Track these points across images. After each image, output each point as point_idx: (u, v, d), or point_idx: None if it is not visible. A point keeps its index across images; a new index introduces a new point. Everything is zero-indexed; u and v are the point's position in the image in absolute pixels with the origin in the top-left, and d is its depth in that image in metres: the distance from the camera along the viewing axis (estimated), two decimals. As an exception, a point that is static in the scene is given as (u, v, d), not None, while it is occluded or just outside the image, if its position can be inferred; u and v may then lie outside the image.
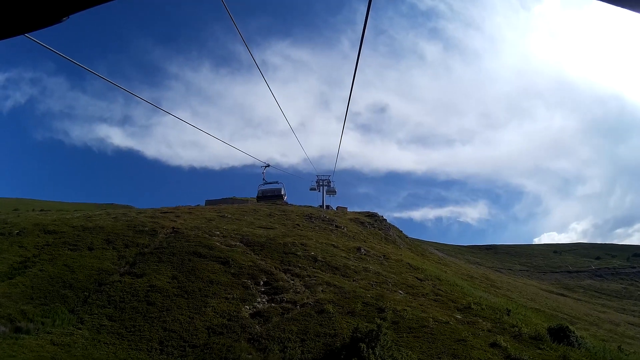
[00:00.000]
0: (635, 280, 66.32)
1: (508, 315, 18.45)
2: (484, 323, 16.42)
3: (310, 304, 15.47)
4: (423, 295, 19.75)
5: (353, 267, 21.98)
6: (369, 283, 19.72)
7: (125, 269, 19.45)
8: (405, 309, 16.12)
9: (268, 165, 27.49)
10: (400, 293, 19.27)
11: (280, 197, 31.16)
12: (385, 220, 48.36)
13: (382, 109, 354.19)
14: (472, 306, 18.74)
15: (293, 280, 18.53)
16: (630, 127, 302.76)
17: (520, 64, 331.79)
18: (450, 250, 78.97)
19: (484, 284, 34.80)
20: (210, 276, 18.00)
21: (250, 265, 19.55)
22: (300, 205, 56.59)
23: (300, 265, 20.90)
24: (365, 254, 26.71)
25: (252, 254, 22.04)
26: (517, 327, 16.36)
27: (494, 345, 13.97)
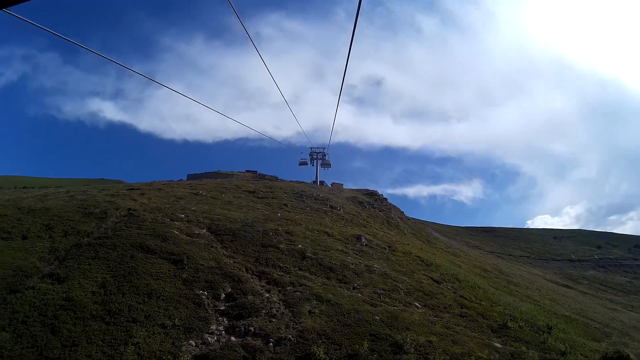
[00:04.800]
0: (639, 274, 63.95)
1: (549, 333, 14.25)
2: (530, 353, 11.75)
3: (290, 339, 10.00)
4: (445, 307, 14.68)
5: (353, 267, 16.68)
6: (374, 292, 14.46)
7: (51, 268, 14.02)
8: (430, 341, 10.95)
9: None
10: (418, 307, 14.11)
11: None
12: (386, 199, 43.09)
13: (377, 82, 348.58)
14: (509, 324, 13.98)
15: (269, 291, 13.05)
16: (629, 113, 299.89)
17: (520, 43, 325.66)
18: (449, 232, 75.87)
19: (500, 280, 29.97)
20: (152, 284, 12.56)
21: (212, 267, 14.08)
22: (291, 181, 51.25)
23: (281, 264, 15.50)
24: (366, 245, 21.46)
25: (219, 247, 16.60)
26: (567, 353, 12.31)
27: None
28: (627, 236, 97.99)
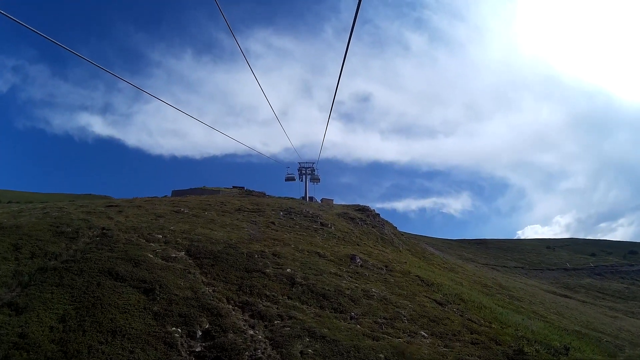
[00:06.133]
0: (636, 279, 64.36)
1: (567, 355, 12.80)
2: None
3: (279, 391, 8.28)
4: (455, 335, 13.03)
5: (349, 292, 14.92)
6: (375, 322, 12.73)
7: (12, 295, 12.15)
8: (445, 382, 9.30)
9: None
10: (425, 336, 12.43)
11: None
12: (378, 215, 41.48)
13: (365, 98, 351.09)
14: (525, 348, 12.46)
15: (253, 327, 11.17)
16: (616, 122, 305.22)
17: (507, 56, 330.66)
18: (441, 245, 74.85)
19: (503, 296, 28.44)
20: (117, 319, 10.72)
21: (187, 298, 12.23)
22: (279, 197, 49.48)
23: (268, 292, 13.66)
24: (362, 266, 19.77)
25: (198, 272, 14.71)
26: None
27: None
28: (621, 243, 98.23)
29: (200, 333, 10.58)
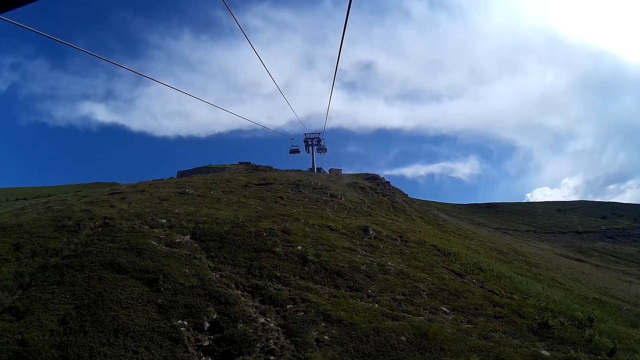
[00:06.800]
0: (648, 243, 63.14)
1: (591, 327, 12.22)
2: (580, 357, 9.68)
3: (296, 388, 7.53)
4: (477, 309, 12.30)
5: (364, 268, 14.16)
6: (394, 299, 11.99)
7: (13, 299, 11.48)
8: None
9: None
10: (446, 312, 11.69)
11: None
12: (388, 182, 40.64)
13: (367, 66, 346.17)
14: (550, 322, 11.61)
15: (265, 313, 10.42)
16: (623, 84, 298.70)
17: (510, 20, 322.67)
18: (452, 211, 74.35)
19: (519, 262, 27.73)
20: (119, 316, 10.03)
21: (193, 286, 11.49)
22: (286, 170, 48.63)
23: (279, 273, 12.90)
24: (375, 238, 18.99)
25: (204, 257, 13.99)
26: (617, 350, 10.50)
27: None
28: (631, 205, 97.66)
29: (207, 325, 9.84)
